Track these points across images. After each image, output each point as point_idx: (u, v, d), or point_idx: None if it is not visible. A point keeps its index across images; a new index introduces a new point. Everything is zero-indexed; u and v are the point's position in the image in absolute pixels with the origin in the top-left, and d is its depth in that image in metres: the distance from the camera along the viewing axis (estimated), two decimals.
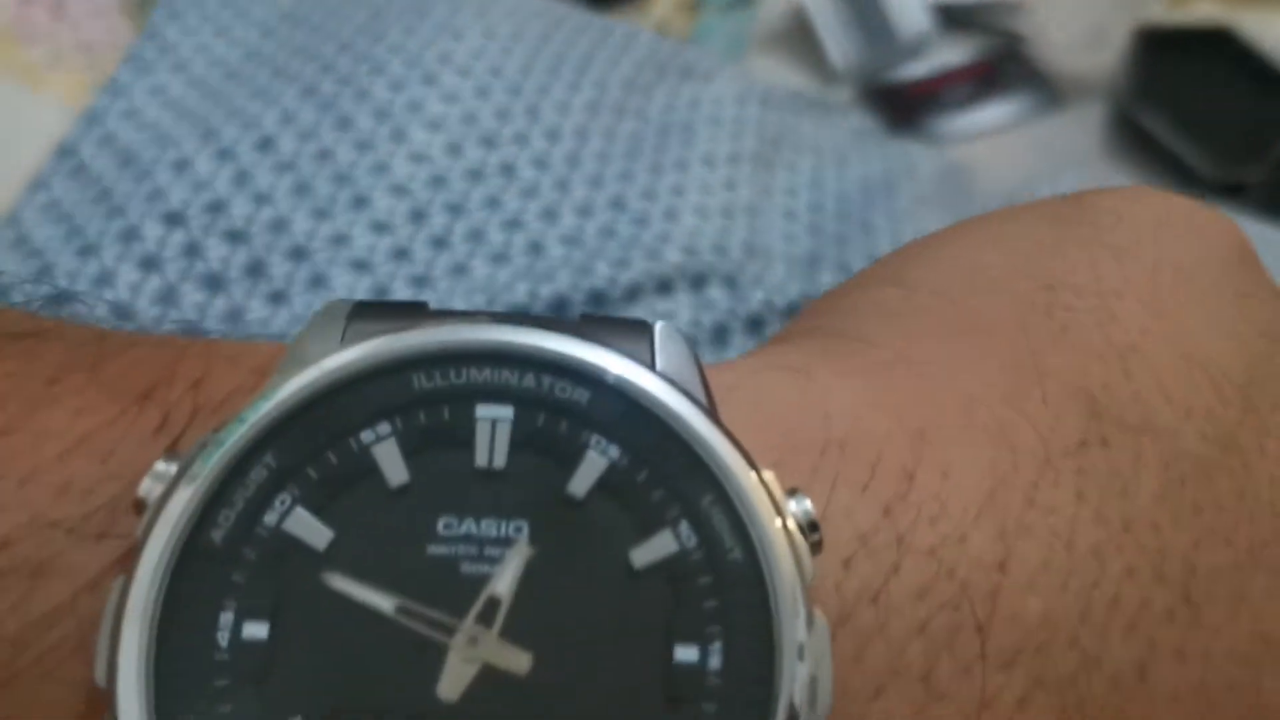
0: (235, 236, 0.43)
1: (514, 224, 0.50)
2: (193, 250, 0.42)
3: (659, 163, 0.51)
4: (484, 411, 0.25)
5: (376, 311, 0.26)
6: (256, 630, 0.23)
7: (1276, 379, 0.31)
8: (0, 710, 0.23)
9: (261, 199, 0.43)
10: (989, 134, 0.82)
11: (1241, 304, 0.34)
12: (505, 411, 0.25)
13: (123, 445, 0.25)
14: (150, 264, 0.40)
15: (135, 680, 0.22)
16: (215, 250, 0.43)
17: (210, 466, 0.23)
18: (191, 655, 0.22)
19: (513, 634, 0.23)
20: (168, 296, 0.42)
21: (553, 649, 0.23)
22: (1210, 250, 0.35)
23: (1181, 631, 0.26)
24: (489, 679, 0.23)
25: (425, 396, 0.25)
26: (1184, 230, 0.35)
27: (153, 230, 0.41)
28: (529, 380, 0.25)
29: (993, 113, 0.86)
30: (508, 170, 0.51)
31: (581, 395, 0.25)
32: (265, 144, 0.46)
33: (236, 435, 0.24)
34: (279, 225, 0.44)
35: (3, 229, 0.44)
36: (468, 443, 0.24)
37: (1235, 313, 0.33)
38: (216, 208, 0.44)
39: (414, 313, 0.26)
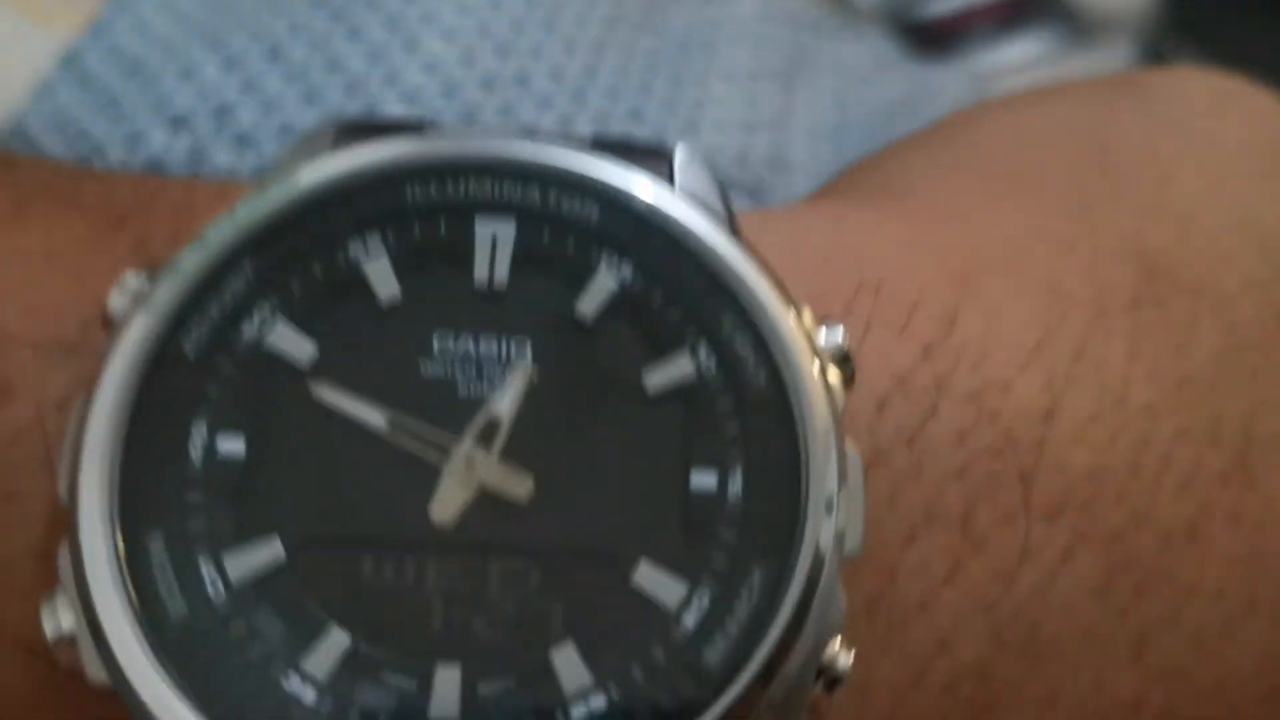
0: (242, 140, 0.42)
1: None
2: (198, 155, 0.40)
3: (679, 77, 0.48)
4: (484, 225, 0.23)
5: (368, 128, 0.24)
6: (232, 445, 0.21)
7: None
8: None
9: (269, 106, 0.42)
10: (1016, 70, 0.79)
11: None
12: (507, 225, 0.23)
13: (95, 265, 0.24)
14: (155, 166, 0.39)
15: (98, 493, 0.20)
16: (222, 156, 0.42)
17: (185, 271, 0.22)
18: (160, 469, 0.21)
19: (513, 457, 0.22)
20: None
21: (557, 474, 0.22)
22: (1266, 130, 0.34)
23: (1236, 495, 0.25)
24: (486, 504, 0.21)
25: (420, 209, 0.23)
26: (1240, 108, 0.34)
27: (158, 135, 0.40)
28: (534, 194, 0.23)
29: (1020, 49, 0.84)
30: (522, 81, 0.49)
31: (591, 211, 0.23)
32: (274, 53, 0.44)
33: (215, 239, 0.22)
34: (286, 131, 0.43)
35: (10, 139, 0.43)
36: (466, 258, 0.23)
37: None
38: (223, 113, 0.42)
39: (408, 129, 0.24)
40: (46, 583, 0.21)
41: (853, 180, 0.34)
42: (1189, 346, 0.27)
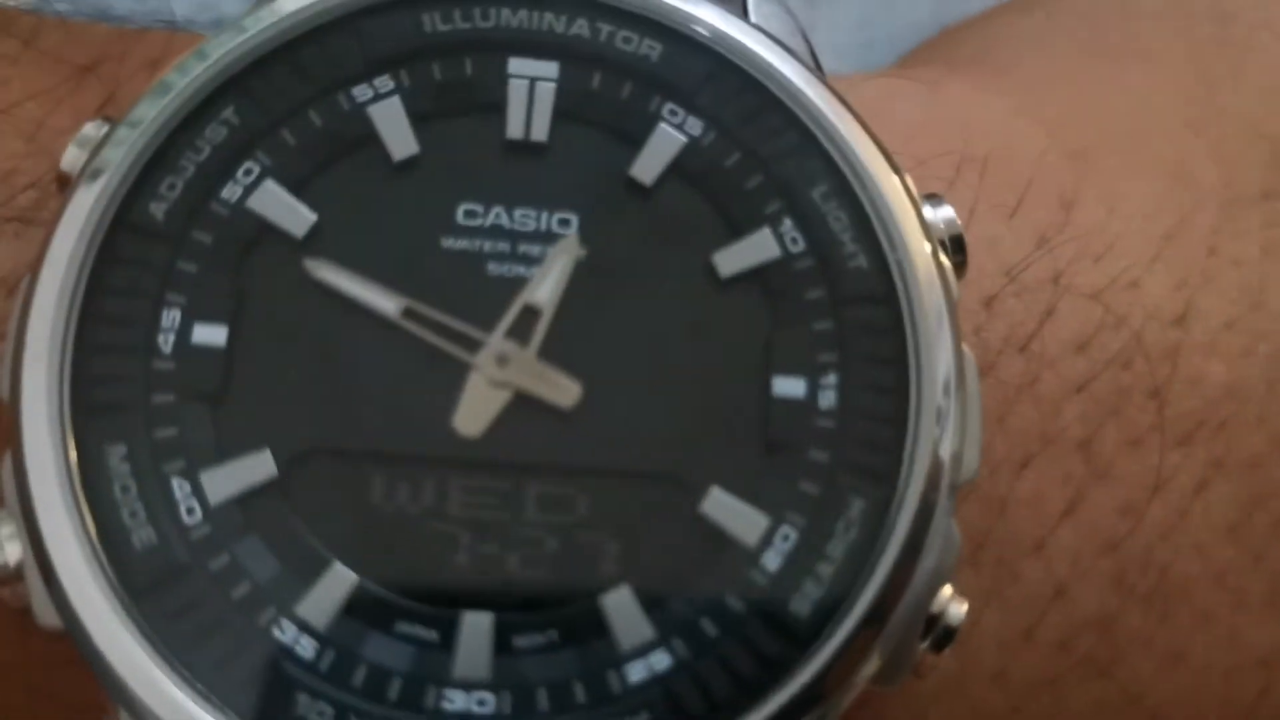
0: None
1: None
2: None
3: None
4: (519, 67, 0.20)
5: None
6: (211, 334, 0.18)
7: None
8: None
9: None
10: None
11: None
12: (548, 68, 0.20)
13: (55, 123, 0.21)
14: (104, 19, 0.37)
15: (44, 393, 0.17)
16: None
17: (149, 119, 0.18)
18: (122, 364, 0.18)
19: (556, 355, 0.19)
20: None
21: (610, 377, 0.19)
22: None
23: None
24: (523, 413, 0.18)
25: (442, 43, 0.20)
26: None
27: None
28: (580, 26, 0.20)
29: None
30: None
31: (652, 49, 0.20)
32: None
33: (187, 78, 0.19)
34: None
35: None
36: (498, 107, 0.20)
37: None
38: None
39: None
40: None
41: (940, 49, 0.31)
42: None
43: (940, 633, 0.18)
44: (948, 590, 0.18)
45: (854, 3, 0.53)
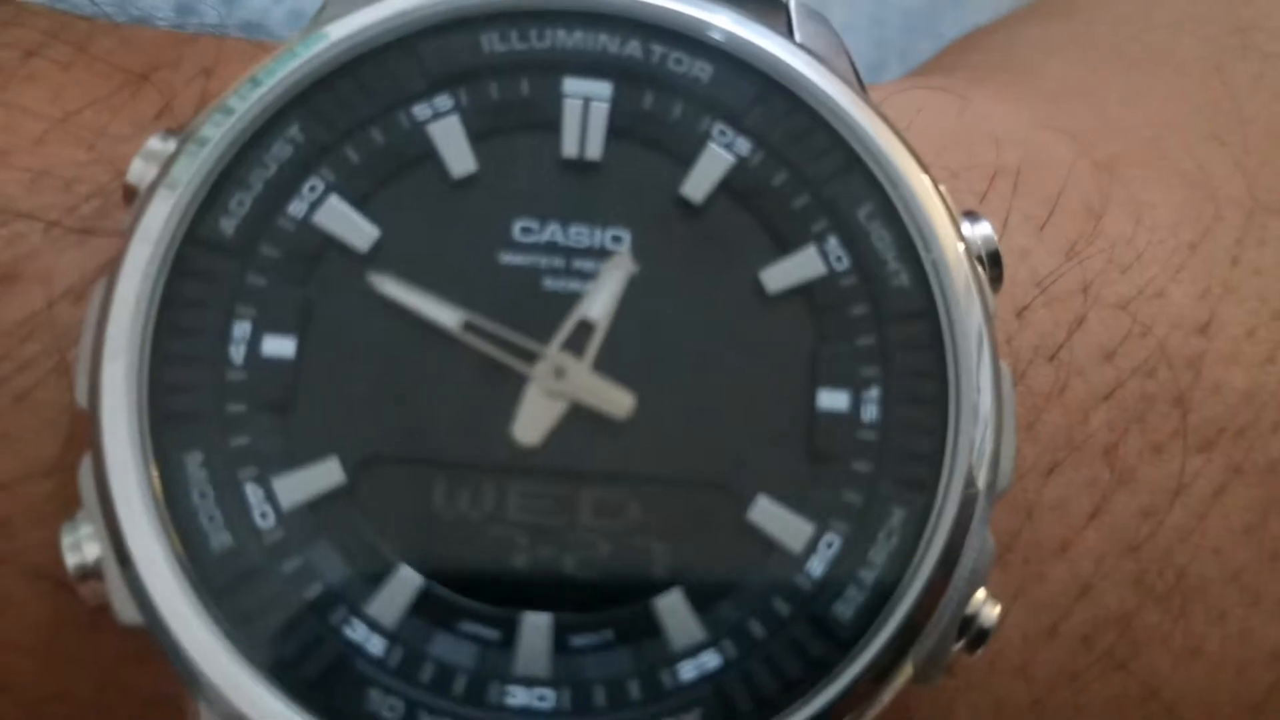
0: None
1: None
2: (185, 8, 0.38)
3: None
4: (574, 87, 0.20)
5: None
6: (280, 346, 0.19)
7: None
8: None
9: None
10: None
11: None
12: (602, 88, 0.20)
13: (113, 127, 0.22)
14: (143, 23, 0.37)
15: (124, 400, 0.18)
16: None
17: (218, 137, 0.19)
18: (197, 374, 0.18)
19: (610, 368, 0.19)
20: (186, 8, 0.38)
21: (661, 388, 0.19)
22: None
23: None
24: (578, 423, 0.19)
25: (499, 63, 0.20)
26: None
27: None
28: (633, 48, 0.20)
29: None
30: None
31: (703, 70, 0.20)
32: None
33: (253, 98, 0.19)
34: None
35: None
36: (553, 126, 0.20)
37: None
38: None
39: None
40: (66, 504, 0.19)
41: (960, 57, 0.31)
42: None
43: (974, 634, 0.19)
44: (982, 593, 0.19)
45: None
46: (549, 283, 0.19)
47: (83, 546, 0.18)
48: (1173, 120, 0.26)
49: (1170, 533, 0.22)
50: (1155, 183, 0.25)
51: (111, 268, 0.19)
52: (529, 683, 0.18)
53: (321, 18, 0.21)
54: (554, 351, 0.19)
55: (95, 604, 0.18)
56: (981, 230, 0.20)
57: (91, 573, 0.18)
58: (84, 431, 0.19)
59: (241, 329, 0.19)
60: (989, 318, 0.20)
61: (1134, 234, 0.24)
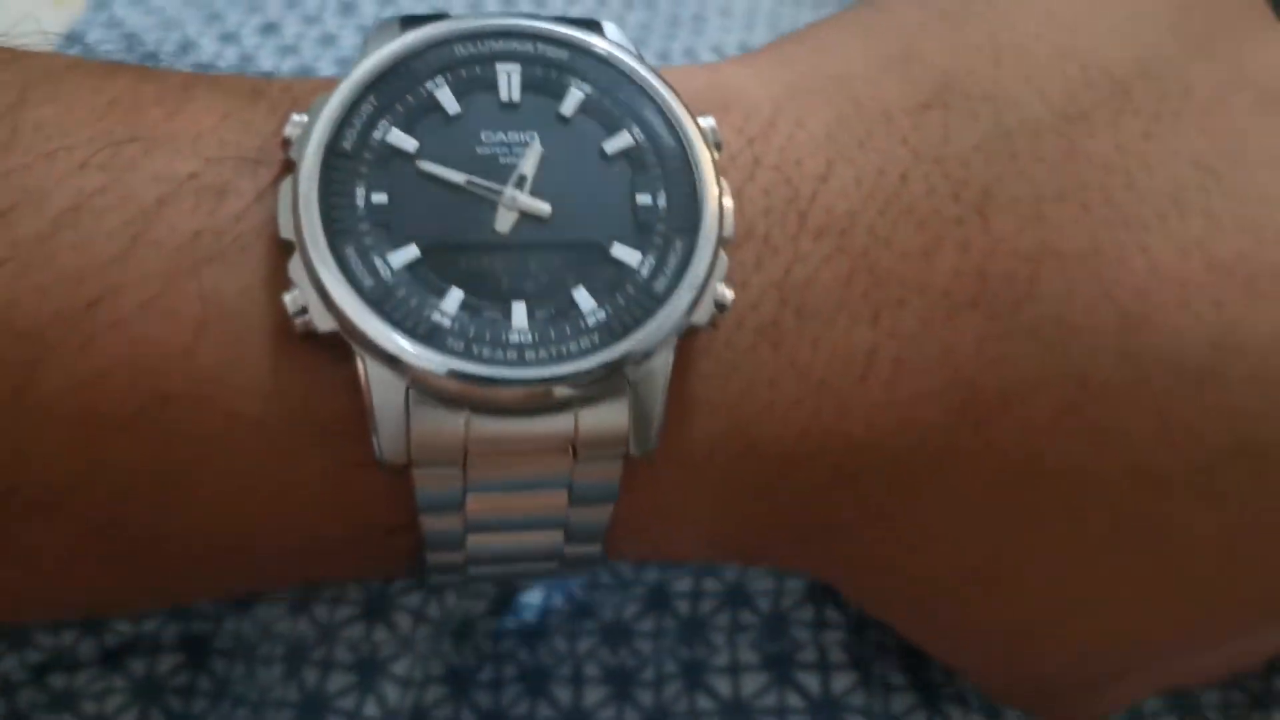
0: None
1: None
2: None
3: (667, 50, 0.54)
4: (502, 67, 0.32)
5: (420, 18, 0.32)
6: (380, 198, 0.29)
7: (1175, 76, 0.31)
8: (207, 282, 0.27)
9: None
10: None
11: (1169, 10, 0.32)
12: (515, 67, 0.32)
13: (253, 118, 0.30)
14: None
15: (316, 225, 0.29)
16: None
17: (334, 103, 0.35)
18: (343, 214, 0.29)
19: (537, 192, 0.30)
20: None
21: (563, 200, 0.30)
22: None
23: (967, 231, 0.30)
24: (525, 220, 0.30)
25: (465, 59, 0.32)
26: None
27: None
28: (529, 46, 0.32)
29: None
30: None
31: (563, 54, 0.32)
32: (269, 29, 0.51)
33: (349, 83, 0.35)
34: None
35: None
36: (495, 86, 0.31)
37: (1156, 19, 0.32)
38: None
39: (446, 18, 0.32)
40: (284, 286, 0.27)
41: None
42: (956, 134, 0.31)
43: (719, 306, 0.30)
44: (724, 285, 0.29)
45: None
46: (503, 158, 0.31)
47: (296, 301, 0.28)
48: (857, 64, 0.33)
49: (797, 276, 0.31)
50: (819, 104, 0.32)
51: (295, 167, 0.29)
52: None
53: (368, 49, 0.31)
54: (509, 190, 0.30)
55: (303, 331, 0.27)
56: (708, 122, 0.31)
57: (300, 310, 0.28)
58: (282, 275, 0.28)
59: (360, 192, 0.29)
60: (714, 157, 0.30)
61: (793, 131, 0.32)
